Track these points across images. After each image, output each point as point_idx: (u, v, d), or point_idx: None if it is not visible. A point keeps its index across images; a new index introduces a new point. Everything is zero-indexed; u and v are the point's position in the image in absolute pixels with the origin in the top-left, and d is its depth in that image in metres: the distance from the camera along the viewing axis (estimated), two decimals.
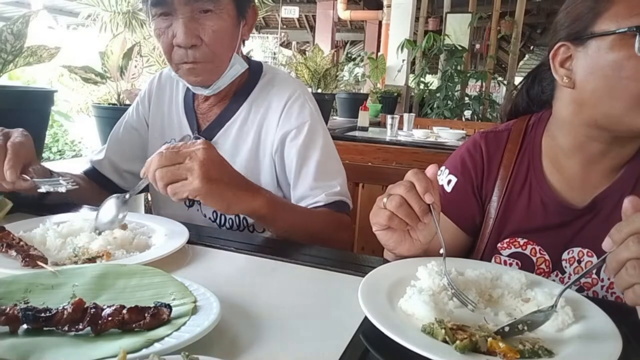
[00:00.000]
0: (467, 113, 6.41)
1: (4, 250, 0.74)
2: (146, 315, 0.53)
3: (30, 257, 0.71)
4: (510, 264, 0.93)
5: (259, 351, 0.54)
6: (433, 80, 6.55)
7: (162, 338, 0.51)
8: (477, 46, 6.49)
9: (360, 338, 0.58)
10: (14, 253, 0.73)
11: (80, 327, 0.52)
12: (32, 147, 0.96)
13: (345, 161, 1.23)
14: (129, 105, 1.38)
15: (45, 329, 0.52)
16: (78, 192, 1.02)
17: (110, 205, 0.90)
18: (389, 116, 3.52)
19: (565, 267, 0.91)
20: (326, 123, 1.38)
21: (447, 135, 3.48)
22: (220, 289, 0.63)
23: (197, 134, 1.18)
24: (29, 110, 1.29)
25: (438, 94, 5.98)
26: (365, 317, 0.58)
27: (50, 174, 1.02)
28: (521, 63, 11.42)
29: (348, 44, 10.15)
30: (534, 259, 0.92)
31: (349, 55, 9.23)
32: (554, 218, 0.91)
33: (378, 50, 7.14)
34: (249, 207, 0.92)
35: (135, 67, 2.07)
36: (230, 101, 1.19)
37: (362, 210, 1.55)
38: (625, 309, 0.63)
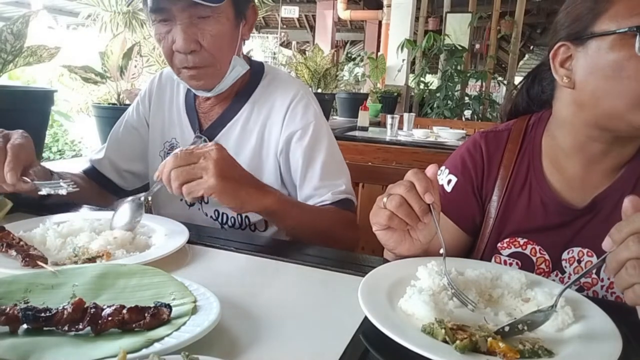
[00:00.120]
0: (467, 113, 6.41)
1: (4, 250, 0.74)
2: (146, 315, 0.53)
3: (30, 257, 0.71)
4: (510, 264, 0.93)
5: (259, 351, 0.54)
6: (433, 80, 6.55)
7: (162, 338, 0.51)
8: (477, 46, 6.48)
9: (360, 338, 0.58)
10: (14, 253, 0.73)
11: (80, 327, 0.52)
12: (32, 148, 0.96)
13: (345, 161, 1.23)
14: (129, 105, 1.38)
15: (45, 329, 0.52)
16: (78, 192, 1.02)
17: (125, 209, 0.91)
18: (389, 116, 3.52)
19: (565, 267, 0.91)
20: None
21: (447, 135, 3.48)
22: (220, 289, 0.63)
23: (199, 133, 1.19)
24: (29, 110, 1.29)
25: (438, 94, 5.98)
26: (365, 317, 0.58)
27: (50, 174, 1.02)
28: (521, 63, 11.42)
29: (348, 44, 10.15)
30: (534, 258, 0.92)
31: (349, 55, 9.22)
32: (554, 218, 0.91)
33: (378, 50, 7.14)
34: (261, 205, 0.94)
35: (135, 67, 2.07)
36: (232, 101, 1.19)
37: (362, 210, 1.55)
38: (625, 309, 0.63)
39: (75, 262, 0.74)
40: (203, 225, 1.12)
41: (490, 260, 0.94)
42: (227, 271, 0.79)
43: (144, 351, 0.48)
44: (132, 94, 1.99)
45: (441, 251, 0.71)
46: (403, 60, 6.04)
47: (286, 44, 11.01)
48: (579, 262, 0.90)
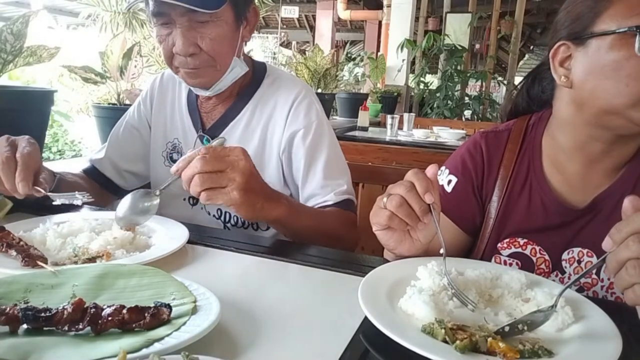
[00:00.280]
0: (467, 113, 6.41)
1: (4, 250, 0.74)
2: (146, 315, 0.53)
3: (30, 257, 0.71)
4: (510, 264, 0.93)
5: (259, 351, 0.54)
6: (433, 80, 6.55)
7: (162, 338, 0.51)
8: (477, 46, 6.49)
9: (360, 338, 0.58)
10: (14, 253, 0.73)
11: (80, 327, 0.52)
12: (39, 155, 0.96)
13: (346, 161, 1.23)
14: (129, 105, 1.38)
15: (45, 328, 0.52)
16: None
17: (137, 197, 0.91)
18: (389, 116, 3.52)
19: (565, 267, 0.90)
20: None
21: (447, 135, 3.48)
22: (220, 289, 0.63)
23: (201, 132, 1.19)
24: (29, 110, 1.28)
25: (438, 94, 5.98)
26: (365, 317, 0.58)
27: (54, 176, 1.02)
28: (521, 63, 11.42)
29: (348, 44, 10.14)
30: (534, 259, 0.92)
31: (349, 55, 9.22)
32: (554, 218, 0.90)
33: (378, 50, 7.14)
34: (271, 216, 0.95)
35: (135, 67, 2.07)
36: (235, 100, 1.20)
37: (362, 210, 1.55)
38: (625, 309, 0.63)
39: (75, 262, 0.74)
40: (205, 224, 1.12)
41: (490, 261, 0.94)
42: (227, 271, 0.79)
43: (144, 351, 0.48)
44: (132, 94, 1.99)
45: (441, 251, 0.71)
46: (403, 60, 6.05)
47: (286, 44, 11.01)
48: (579, 262, 0.89)
